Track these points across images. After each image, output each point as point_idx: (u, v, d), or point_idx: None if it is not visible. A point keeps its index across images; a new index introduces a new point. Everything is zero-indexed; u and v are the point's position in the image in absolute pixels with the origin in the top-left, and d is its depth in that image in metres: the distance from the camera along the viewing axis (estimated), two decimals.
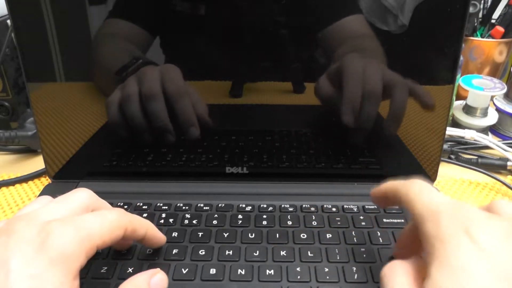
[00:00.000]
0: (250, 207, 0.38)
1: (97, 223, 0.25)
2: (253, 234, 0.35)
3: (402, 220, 0.36)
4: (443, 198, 0.25)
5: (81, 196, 0.28)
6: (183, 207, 0.38)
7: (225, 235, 0.35)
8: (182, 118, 0.39)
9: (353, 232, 0.35)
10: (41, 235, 0.23)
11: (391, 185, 0.29)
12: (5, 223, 0.25)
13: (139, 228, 0.29)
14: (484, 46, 0.65)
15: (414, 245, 0.27)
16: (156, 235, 0.31)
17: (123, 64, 0.39)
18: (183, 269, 0.31)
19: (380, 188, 0.30)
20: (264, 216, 0.37)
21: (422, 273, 0.23)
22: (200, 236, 0.35)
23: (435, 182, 0.42)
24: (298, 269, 0.31)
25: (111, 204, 0.38)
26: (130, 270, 0.31)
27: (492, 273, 0.20)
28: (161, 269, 0.31)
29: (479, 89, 0.55)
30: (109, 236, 0.26)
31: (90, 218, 0.26)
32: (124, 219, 0.27)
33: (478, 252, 0.21)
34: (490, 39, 0.65)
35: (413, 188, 0.26)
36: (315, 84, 0.39)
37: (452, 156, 0.50)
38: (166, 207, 0.38)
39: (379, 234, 0.35)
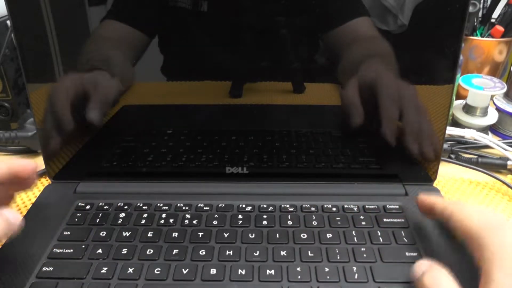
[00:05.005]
0: (250, 207, 0.38)
1: None
2: (253, 234, 0.35)
3: (402, 220, 0.36)
4: (491, 213, 0.28)
5: None
6: (183, 207, 0.38)
7: (226, 235, 0.35)
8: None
9: (353, 232, 0.35)
10: None
11: (441, 202, 0.32)
12: None
13: None
14: (484, 45, 0.65)
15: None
16: (21, 164, 0.31)
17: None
18: (183, 269, 0.31)
19: (430, 200, 0.33)
20: (264, 216, 0.37)
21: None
22: (200, 236, 0.35)
23: (435, 182, 0.42)
24: (298, 269, 0.31)
25: (111, 204, 0.38)
26: (131, 270, 0.31)
27: None
28: (161, 269, 0.31)
29: (479, 89, 0.55)
30: None
31: None
32: None
33: None
34: (490, 39, 0.65)
35: (466, 208, 0.29)
36: (341, 89, 0.39)
37: (452, 156, 0.50)
38: (166, 207, 0.38)
39: (379, 233, 0.35)
